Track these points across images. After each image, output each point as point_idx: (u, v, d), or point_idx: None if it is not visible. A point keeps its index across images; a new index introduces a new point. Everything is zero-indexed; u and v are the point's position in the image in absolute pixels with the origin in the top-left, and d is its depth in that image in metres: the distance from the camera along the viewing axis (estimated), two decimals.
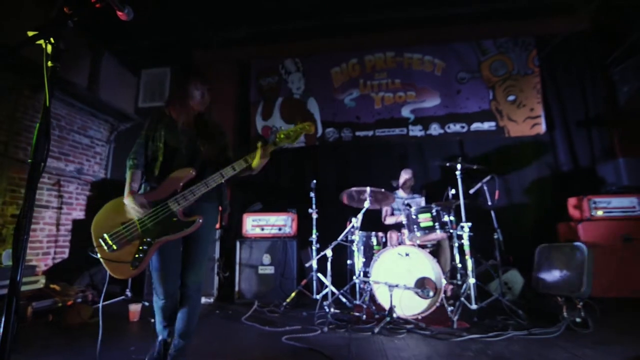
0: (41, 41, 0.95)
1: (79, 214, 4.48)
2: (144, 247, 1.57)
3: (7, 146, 3.62)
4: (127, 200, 1.59)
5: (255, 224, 3.76)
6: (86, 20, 1.01)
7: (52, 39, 0.96)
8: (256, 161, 1.68)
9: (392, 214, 3.76)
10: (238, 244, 3.65)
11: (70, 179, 4.38)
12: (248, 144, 4.88)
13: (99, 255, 1.55)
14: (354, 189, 3.20)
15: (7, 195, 3.60)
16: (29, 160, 0.93)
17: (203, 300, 3.50)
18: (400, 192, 3.83)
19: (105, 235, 1.57)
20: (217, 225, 3.76)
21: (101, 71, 4.48)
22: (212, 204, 1.78)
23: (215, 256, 3.66)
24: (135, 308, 2.85)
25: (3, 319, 0.82)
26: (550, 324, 2.36)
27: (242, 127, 4.96)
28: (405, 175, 3.81)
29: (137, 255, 1.56)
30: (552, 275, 3.15)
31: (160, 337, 1.75)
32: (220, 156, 1.80)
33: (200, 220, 1.63)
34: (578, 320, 2.36)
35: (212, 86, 1.87)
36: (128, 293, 3.58)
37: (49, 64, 0.96)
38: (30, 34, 0.94)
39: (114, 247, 1.56)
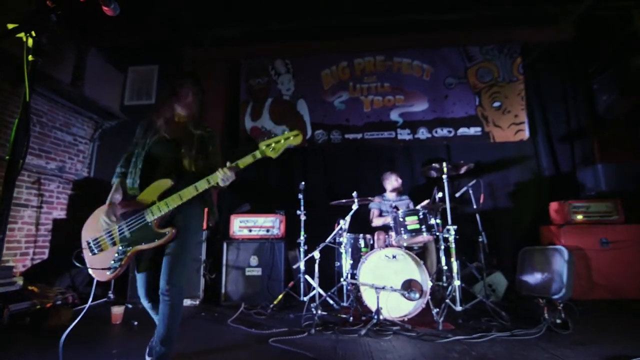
0: (22, 34, 0.92)
1: (60, 214, 4.35)
2: (120, 254, 1.65)
3: None
4: (102, 210, 1.69)
5: (243, 225, 3.72)
6: (71, 14, 0.98)
7: (33, 32, 0.93)
8: (219, 180, 1.65)
9: (380, 215, 3.78)
10: (225, 245, 3.61)
11: (51, 177, 4.24)
12: (236, 144, 4.84)
13: (84, 257, 1.70)
14: (343, 201, 3.24)
15: None
16: (7, 157, 0.89)
17: (188, 302, 3.45)
18: (388, 194, 3.85)
19: (90, 240, 1.70)
20: (204, 226, 3.72)
21: (86, 67, 4.37)
22: (193, 211, 1.75)
23: (201, 258, 3.60)
24: (118, 310, 2.78)
25: None
26: (532, 325, 2.41)
27: (231, 128, 4.91)
28: (394, 182, 3.81)
29: (112, 262, 1.65)
30: (534, 278, 3.23)
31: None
32: (205, 166, 1.76)
33: (174, 231, 1.64)
34: (558, 321, 2.41)
35: (202, 87, 1.86)
36: (111, 295, 3.49)
37: (30, 57, 0.93)
38: (10, 26, 0.91)
39: (95, 251, 1.69)
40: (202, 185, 1.65)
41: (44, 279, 3.53)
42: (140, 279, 1.73)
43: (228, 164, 1.64)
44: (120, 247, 1.66)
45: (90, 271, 1.67)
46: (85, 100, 4.39)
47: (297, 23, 4.56)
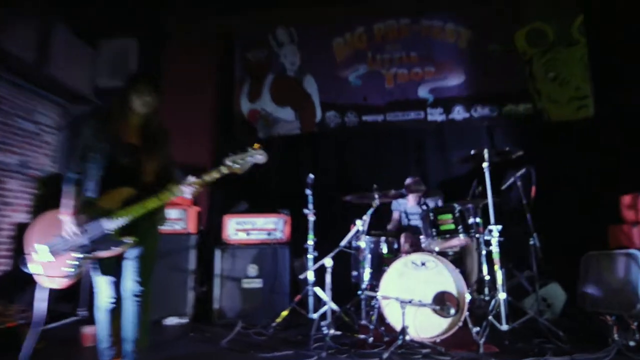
0: None
1: (23, 217, 4.47)
2: (76, 261, 1.89)
3: None
4: (66, 219, 1.90)
5: (239, 227, 3.75)
6: None
7: None
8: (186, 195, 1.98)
9: (400, 221, 3.81)
10: (218, 252, 3.65)
11: (11, 173, 4.36)
12: (231, 130, 4.89)
13: (30, 267, 1.94)
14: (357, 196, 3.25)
15: None
16: None
17: (175, 320, 3.52)
18: (411, 199, 3.81)
19: (41, 246, 1.94)
20: (195, 230, 3.77)
21: (51, 43, 4.46)
22: (151, 218, 2.03)
23: (189, 267, 3.66)
24: (90, 331, 2.83)
25: None
26: (598, 348, 2.36)
27: (224, 111, 4.98)
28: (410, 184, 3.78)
29: (69, 268, 1.89)
30: (601, 290, 3.16)
31: None
32: (162, 172, 2.07)
33: (135, 240, 1.92)
34: (632, 343, 2.37)
35: (160, 85, 2.10)
36: (81, 313, 3.57)
37: None
38: None
39: (48, 258, 1.92)
40: (165, 197, 1.94)
41: (4, 294, 3.63)
42: (104, 281, 1.99)
43: (191, 178, 1.94)
44: (78, 254, 1.89)
45: (39, 279, 1.91)
46: (51, 81, 4.50)
47: None
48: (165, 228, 3.46)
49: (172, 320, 3.51)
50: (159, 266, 3.25)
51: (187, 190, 1.95)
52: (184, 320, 3.52)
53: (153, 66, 4.86)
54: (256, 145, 2.00)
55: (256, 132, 4.85)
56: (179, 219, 3.76)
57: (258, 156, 1.99)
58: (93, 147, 1.99)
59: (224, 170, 1.97)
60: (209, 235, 4.18)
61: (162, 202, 1.95)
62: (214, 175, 1.97)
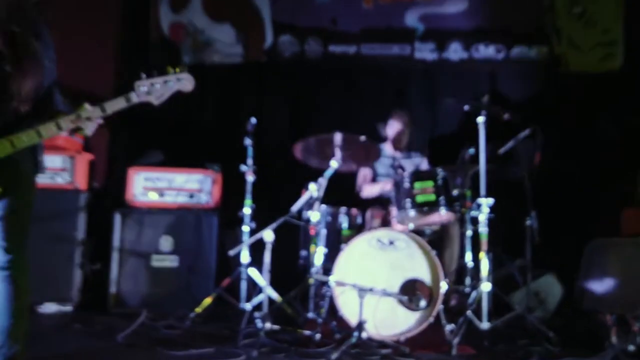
0: None
1: None
2: None
3: None
4: None
5: (150, 185, 3.72)
6: None
7: None
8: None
9: (375, 181, 3.86)
10: (118, 217, 3.61)
11: None
12: (146, 50, 4.75)
13: None
14: (314, 138, 3.20)
15: None
16: None
17: (55, 308, 3.49)
18: (388, 148, 3.90)
19: None
20: (85, 186, 3.67)
21: None
22: (23, 161, 1.85)
23: (76, 237, 3.60)
24: None
25: None
26: (592, 352, 2.54)
27: (136, 25, 4.84)
28: (396, 125, 3.86)
29: None
30: (605, 285, 3.38)
31: None
32: (41, 95, 1.86)
33: None
34: (631, 348, 2.55)
35: None
36: None
37: None
38: None
39: None
40: (47, 131, 1.77)
41: None
42: None
43: (88, 106, 1.80)
44: None
45: None
46: None
47: None
48: (42, 180, 3.45)
49: (50, 307, 3.47)
50: (33, 234, 3.20)
51: (82, 124, 1.83)
52: (67, 308, 3.50)
53: None
54: (185, 74, 1.89)
55: (180, 55, 4.70)
56: (62, 168, 3.63)
57: (183, 81, 1.89)
58: None
59: (134, 98, 1.83)
60: (106, 194, 4.13)
61: (41, 139, 1.79)
62: (120, 104, 1.84)
